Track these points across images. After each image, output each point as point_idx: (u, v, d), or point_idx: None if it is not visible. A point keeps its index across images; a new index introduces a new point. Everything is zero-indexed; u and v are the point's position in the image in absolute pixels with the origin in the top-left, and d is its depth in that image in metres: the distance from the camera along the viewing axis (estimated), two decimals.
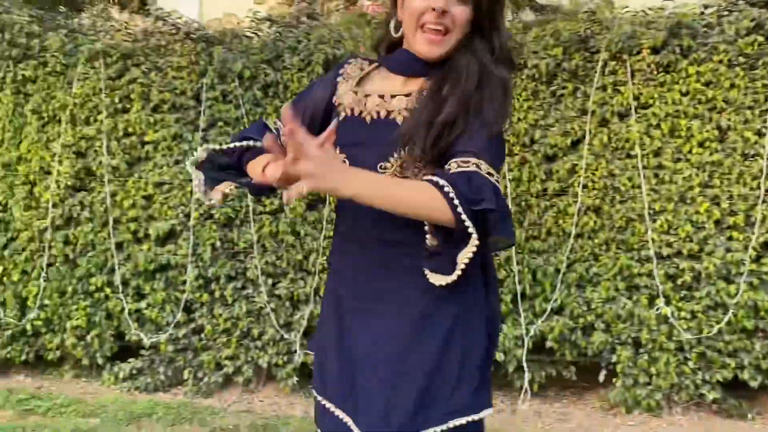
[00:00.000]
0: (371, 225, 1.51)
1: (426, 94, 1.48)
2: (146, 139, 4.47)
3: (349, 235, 1.61)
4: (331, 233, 3.54)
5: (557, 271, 4.11)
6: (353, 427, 1.50)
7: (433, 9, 1.40)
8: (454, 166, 1.38)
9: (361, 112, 1.55)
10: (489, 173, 1.37)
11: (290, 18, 4.98)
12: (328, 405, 1.58)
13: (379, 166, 1.49)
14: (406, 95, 1.52)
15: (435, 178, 1.32)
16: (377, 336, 1.51)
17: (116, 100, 4.49)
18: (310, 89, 1.72)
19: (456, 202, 1.27)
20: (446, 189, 1.29)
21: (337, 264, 1.68)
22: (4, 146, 4.58)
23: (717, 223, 3.94)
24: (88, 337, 4.51)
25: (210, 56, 4.44)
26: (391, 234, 1.49)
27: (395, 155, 1.48)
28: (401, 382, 1.46)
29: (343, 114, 1.58)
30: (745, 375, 3.93)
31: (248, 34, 4.67)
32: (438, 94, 1.44)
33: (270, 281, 4.38)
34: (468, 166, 1.36)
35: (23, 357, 4.64)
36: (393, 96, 1.53)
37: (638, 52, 4.05)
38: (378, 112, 1.53)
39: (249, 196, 4.35)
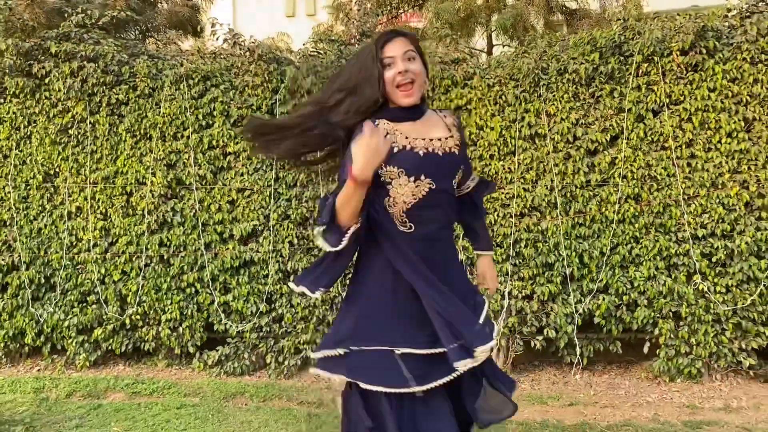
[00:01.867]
0: None
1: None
2: (228, 150, 5.03)
3: None
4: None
5: (602, 253, 4.55)
6: None
7: (399, 72, 2.11)
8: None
9: (434, 149, 2.18)
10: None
11: (345, 36, 5.51)
12: None
13: (453, 182, 2.26)
14: (450, 137, 2.24)
15: None
16: None
17: (200, 117, 5.06)
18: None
19: None
20: None
21: None
22: (102, 162, 5.18)
23: (747, 205, 4.35)
24: (181, 328, 5.08)
25: (281, 75, 4.98)
26: None
27: (458, 173, 2.28)
28: None
29: (423, 152, 2.17)
30: None
31: (312, 52, 5.20)
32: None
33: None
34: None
35: (122, 348, 5.20)
36: (446, 138, 2.23)
37: (668, 54, 4.48)
38: (445, 149, 2.20)
39: (322, 198, 4.89)
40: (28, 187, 5.31)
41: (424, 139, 2.16)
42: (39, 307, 5.27)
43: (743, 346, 4.39)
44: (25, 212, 5.31)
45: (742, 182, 4.36)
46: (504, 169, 4.70)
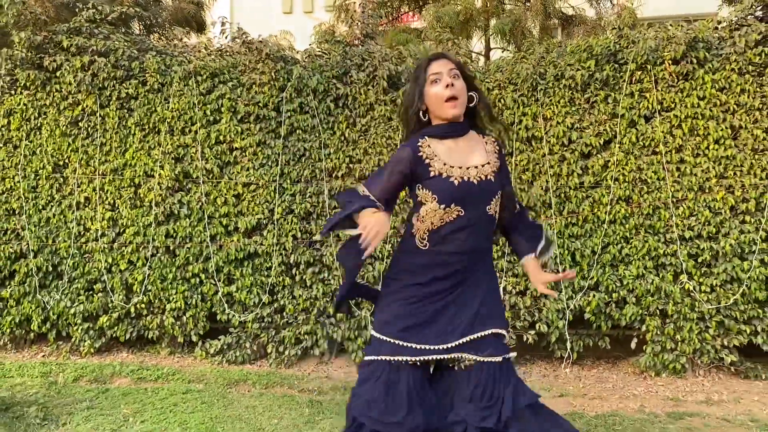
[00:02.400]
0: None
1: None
2: (235, 145, 5.19)
3: None
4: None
5: (593, 252, 4.75)
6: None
7: (446, 86, 2.31)
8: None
9: (469, 178, 2.35)
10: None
11: (349, 37, 5.68)
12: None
13: (487, 207, 2.39)
14: (488, 163, 2.40)
15: None
16: None
17: (208, 112, 5.21)
18: (399, 166, 2.39)
19: None
20: None
21: None
22: (111, 154, 5.32)
23: (732, 209, 4.57)
24: (185, 317, 5.23)
25: (288, 73, 5.14)
26: None
27: (495, 199, 2.40)
28: None
29: (457, 181, 2.34)
30: (759, 340, 4.54)
31: (317, 53, 5.37)
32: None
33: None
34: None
35: (127, 336, 5.35)
36: (483, 165, 2.39)
37: (661, 63, 4.68)
38: (480, 177, 2.36)
39: (325, 193, 5.07)
40: (38, 177, 5.45)
41: (461, 168, 2.34)
42: (46, 294, 5.41)
43: (725, 343, 4.60)
44: (34, 201, 5.44)
45: (728, 187, 4.57)
46: None
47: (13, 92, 5.53)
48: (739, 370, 4.68)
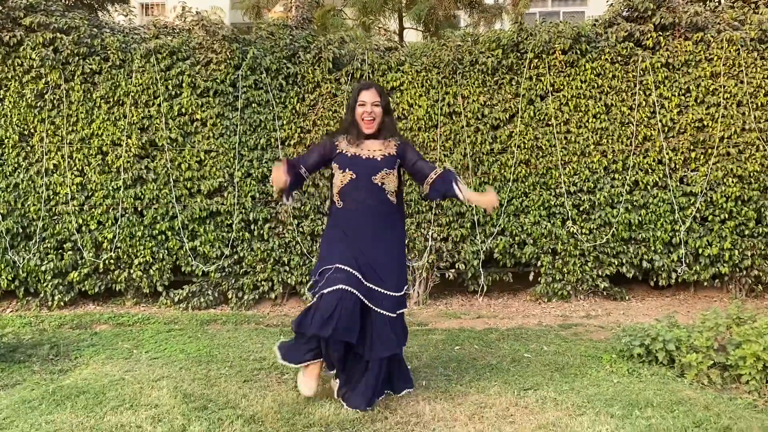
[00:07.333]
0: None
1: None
2: (196, 117, 5.85)
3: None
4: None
5: (501, 205, 5.91)
6: (371, 284, 3.29)
7: (365, 111, 3.38)
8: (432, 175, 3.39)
9: (359, 154, 3.38)
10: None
11: (293, 22, 6.43)
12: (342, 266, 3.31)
13: (372, 178, 3.34)
14: (379, 150, 3.40)
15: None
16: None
17: (170, 87, 5.82)
18: (323, 146, 3.51)
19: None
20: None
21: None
22: (78, 125, 5.81)
23: (605, 168, 5.87)
24: (151, 270, 5.90)
25: (243, 53, 5.85)
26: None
27: (380, 173, 3.35)
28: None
29: (350, 153, 3.39)
30: (624, 270, 5.92)
31: (267, 36, 6.08)
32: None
33: (296, 222, 5.94)
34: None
35: (96, 289, 5.94)
36: (375, 151, 3.41)
37: (553, 53, 5.85)
38: (369, 156, 3.38)
39: (280, 159, 5.87)
40: (3, 146, 5.84)
41: (357, 148, 3.39)
42: (15, 254, 5.87)
43: (600, 273, 5.95)
44: (0, 168, 5.84)
45: (603, 152, 5.86)
46: (429, 139, 5.92)
47: None
48: (610, 293, 6.05)
